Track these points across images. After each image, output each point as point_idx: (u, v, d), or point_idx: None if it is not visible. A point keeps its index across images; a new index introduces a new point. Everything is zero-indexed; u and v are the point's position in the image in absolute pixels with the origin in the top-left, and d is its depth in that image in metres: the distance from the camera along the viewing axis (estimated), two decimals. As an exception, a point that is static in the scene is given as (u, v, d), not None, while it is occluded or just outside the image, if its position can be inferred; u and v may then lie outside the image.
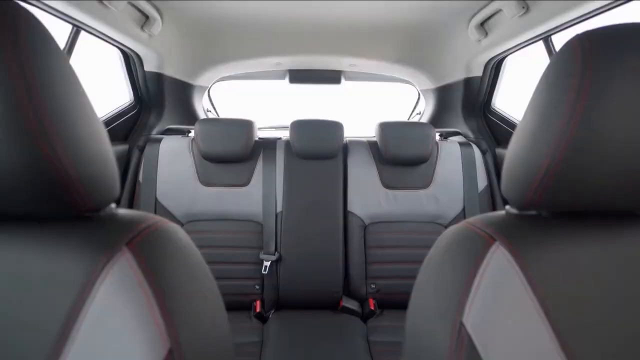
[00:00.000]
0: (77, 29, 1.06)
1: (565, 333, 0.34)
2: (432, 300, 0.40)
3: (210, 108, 2.06)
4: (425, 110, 1.94)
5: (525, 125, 0.38)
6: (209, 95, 2.03)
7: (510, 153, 0.40)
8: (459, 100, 1.60)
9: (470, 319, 0.35)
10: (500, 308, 0.35)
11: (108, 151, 0.36)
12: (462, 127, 1.65)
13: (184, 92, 1.64)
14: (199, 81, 1.70)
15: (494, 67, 1.43)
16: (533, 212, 0.41)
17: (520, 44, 1.17)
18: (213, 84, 1.91)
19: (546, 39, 1.12)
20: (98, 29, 1.05)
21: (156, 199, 1.30)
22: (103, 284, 0.31)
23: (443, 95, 1.70)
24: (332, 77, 1.87)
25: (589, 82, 0.32)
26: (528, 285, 0.35)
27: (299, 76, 1.86)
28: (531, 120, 0.37)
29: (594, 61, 0.32)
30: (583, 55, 0.33)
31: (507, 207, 0.44)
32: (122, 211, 0.39)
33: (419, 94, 2.01)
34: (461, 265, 0.38)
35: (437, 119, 1.79)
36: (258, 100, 2.46)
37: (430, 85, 1.74)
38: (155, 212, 1.29)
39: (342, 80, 1.90)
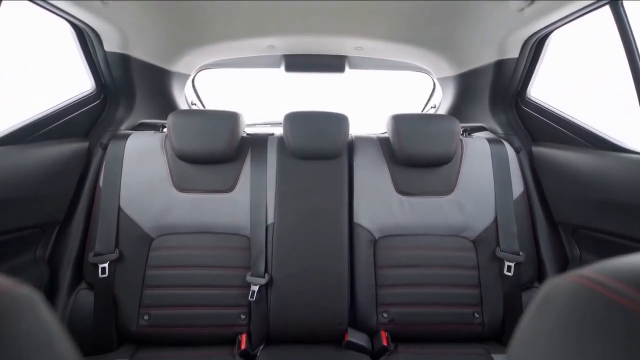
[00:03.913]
0: None
1: None
2: None
3: (196, 100, 1.84)
4: (441, 103, 1.71)
5: None
6: (193, 86, 1.81)
7: None
8: (485, 88, 1.38)
9: None
10: None
11: None
12: (489, 122, 1.42)
13: (159, 80, 1.43)
14: (178, 67, 1.47)
15: (535, 46, 1.19)
16: None
17: (579, 10, 0.92)
18: (198, 72, 1.69)
19: (615, 2, 0.87)
20: None
21: (119, 208, 1.11)
22: None
23: (466, 83, 1.48)
24: (334, 63, 1.66)
25: None
26: None
27: (296, 63, 1.65)
28: None
29: None
30: None
31: None
32: None
33: (435, 84, 1.77)
34: None
35: (456, 112, 1.58)
36: (249, 93, 2.22)
37: (451, 71, 1.51)
38: (117, 224, 1.10)
39: (346, 67, 1.68)
